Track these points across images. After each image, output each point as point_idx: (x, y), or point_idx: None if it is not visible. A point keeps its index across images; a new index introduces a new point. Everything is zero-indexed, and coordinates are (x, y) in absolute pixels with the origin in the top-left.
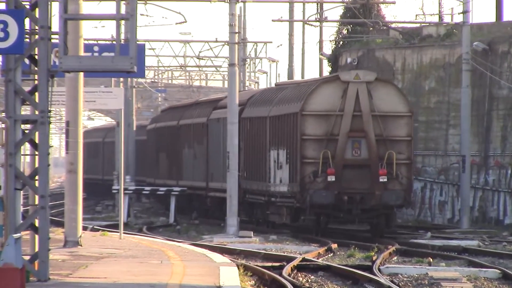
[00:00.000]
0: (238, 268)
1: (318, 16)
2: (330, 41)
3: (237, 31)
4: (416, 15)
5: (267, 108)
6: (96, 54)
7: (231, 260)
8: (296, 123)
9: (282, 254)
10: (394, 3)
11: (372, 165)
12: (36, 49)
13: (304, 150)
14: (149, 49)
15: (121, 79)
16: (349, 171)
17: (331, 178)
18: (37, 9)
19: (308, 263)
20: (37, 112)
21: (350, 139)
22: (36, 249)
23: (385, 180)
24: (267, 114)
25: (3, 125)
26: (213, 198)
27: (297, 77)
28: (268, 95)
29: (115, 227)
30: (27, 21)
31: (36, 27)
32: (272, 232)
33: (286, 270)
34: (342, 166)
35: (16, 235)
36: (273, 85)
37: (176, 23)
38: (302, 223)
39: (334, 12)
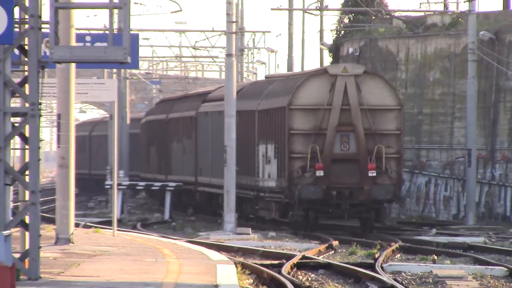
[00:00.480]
0: (236, 266)
1: (319, 5)
2: (331, 30)
3: (234, 20)
4: (420, 4)
5: (256, 101)
6: (88, 44)
7: (228, 258)
8: (284, 117)
9: (282, 251)
10: None
11: (361, 160)
12: (26, 39)
13: (292, 145)
14: (143, 39)
15: (114, 70)
16: (338, 166)
17: (320, 173)
18: None
19: (308, 260)
20: (27, 105)
21: (339, 133)
22: (27, 247)
23: (374, 174)
24: (255, 108)
25: None
26: (202, 193)
27: (297, 68)
28: (258, 88)
29: (108, 223)
30: (16, 10)
31: (26, 16)
32: (271, 228)
33: (286, 268)
34: (331, 161)
35: (5, 232)
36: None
37: (171, 12)
38: (291, 219)
39: (335, 0)
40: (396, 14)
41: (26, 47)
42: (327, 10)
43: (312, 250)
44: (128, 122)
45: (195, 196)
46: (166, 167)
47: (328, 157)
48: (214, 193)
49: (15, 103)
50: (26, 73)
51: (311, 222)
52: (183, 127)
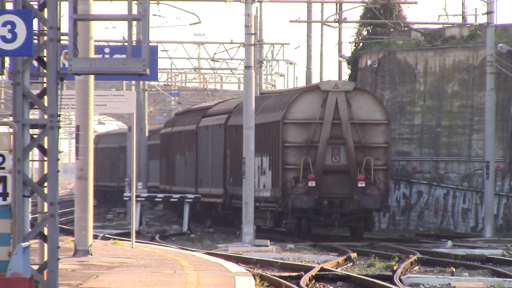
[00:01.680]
0: (254, 278)
1: (337, 17)
2: (350, 42)
3: (253, 32)
4: (439, 16)
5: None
6: (107, 56)
7: (247, 269)
8: (278, 131)
9: (300, 263)
10: (416, 3)
11: (351, 171)
12: (45, 50)
13: (285, 157)
14: (162, 50)
15: (133, 82)
16: (329, 177)
17: (312, 184)
18: (45, 9)
19: (326, 273)
20: (46, 116)
21: (330, 146)
22: (45, 258)
23: (364, 185)
24: None
25: (11, 130)
26: (202, 203)
27: (315, 79)
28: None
29: (126, 235)
30: (35, 21)
31: (45, 28)
32: (289, 240)
33: (304, 280)
34: (322, 172)
35: (24, 244)
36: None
37: (190, 24)
38: (284, 227)
39: (354, 12)
40: (415, 26)
41: (45, 59)
42: (346, 22)
43: (331, 262)
44: (146, 134)
45: (196, 206)
46: (171, 178)
47: (319, 169)
48: (214, 203)
49: (34, 115)
50: (45, 85)
51: (303, 230)
52: (185, 140)
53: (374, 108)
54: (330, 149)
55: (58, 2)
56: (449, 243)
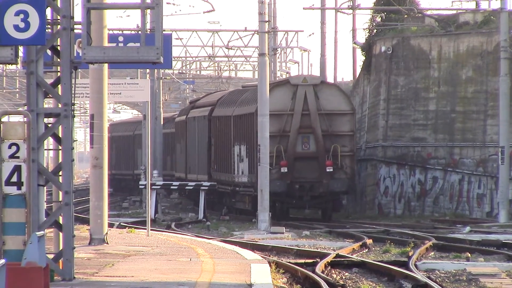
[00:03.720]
0: (270, 265)
1: (351, 4)
2: (364, 29)
3: (267, 19)
4: (452, 2)
5: (232, 108)
6: (121, 44)
7: (262, 257)
8: (253, 121)
9: (315, 250)
10: None
11: (319, 157)
12: (59, 39)
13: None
14: (176, 39)
15: (148, 70)
16: (300, 163)
17: (284, 169)
18: None
19: (342, 259)
20: (60, 105)
21: (300, 135)
22: (61, 247)
23: (331, 170)
24: (231, 114)
25: (25, 119)
26: (189, 189)
27: (329, 66)
28: (234, 97)
29: (142, 223)
30: (48, 10)
31: (58, 17)
32: (305, 227)
33: (320, 267)
34: (294, 159)
35: (39, 233)
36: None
37: (204, 12)
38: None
39: None
40: (428, 12)
41: (59, 48)
42: (360, 9)
43: (346, 248)
44: (162, 122)
45: (185, 192)
46: (174, 166)
47: (291, 156)
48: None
49: (48, 104)
50: (58, 74)
51: (277, 213)
52: (180, 130)
53: (340, 100)
54: (301, 138)
55: None
56: (467, 228)
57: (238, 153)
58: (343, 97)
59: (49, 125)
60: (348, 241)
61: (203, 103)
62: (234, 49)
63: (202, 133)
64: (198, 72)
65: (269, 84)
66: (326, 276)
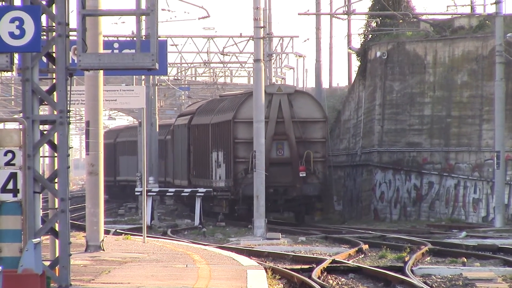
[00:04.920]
0: (266, 271)
1: (346, 9)
2: (359, 34)
3: (262, 25)
4: (447, 6)
5: (209, 116)
6: (116, 51)
7: (258, 263)
8: (230, 129)
9: (312, 256)
10: None
11: (293, 163)
12: (54, 46)
13: (236, 151)
14: (171, 45)
15: (143, 76)
16: (274, 168)
17: None
18: (54, 5)
19: (338, 265)
20: (55, 112)
21: (275, 141)
22: (57, 254)
23: (304, 175)
24: (209, 122)
25: (21, 126)
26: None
27: (325, 72)
28: (212, 105)
29: (138, 230)
30: (43, 17)
31: (53, 24)
32: (301, 233)
33: (316, 273)
34: (269, 164)
35: (35, 240)
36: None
37: (199, 18)
38: (237, 212)
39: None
40: (423, 17)
41: (54, 55)
42: (355, 14)
43: (342, 254)
44: (157, 128)
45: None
46: (165, 171)
47: (266, 161)
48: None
49: (44, 111)
50: (54, 81)
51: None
52: (171, 138)
53: (313, 108)
54: (275, 144)
55: None
56: (463, 233)
57: (216, 159)
58: (316, 105)
59: (45, 132)
60: (344, 247)
61: (187, 111)
62: (229, 55)
63: (183, 141)
64: (193, 78)
65: (246, 92)
66: (322, 282)
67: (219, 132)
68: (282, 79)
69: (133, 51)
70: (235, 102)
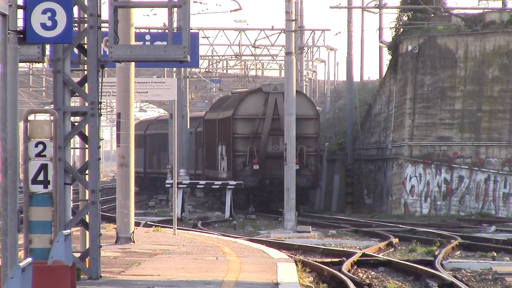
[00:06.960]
0: (296, 264)
1: (378, 2)
2: (390, 28)
3: (294, 18)
4: (479, 1)
5: (217, 112)
6: (147, 43)
7: (288, 256)
8: (230, 124)
9: (342, 249)
10: None
11: None
12: (86, 38)
13: (235, 145)
14: (203, 37)
15: (174, 69)
16: (270, 161)
17: (256, 167)
18: None
19: (368, 258)
20: (87, 104)
21: (271, 137)
22: (87, 246)
23: (298, 168)
24: (217, 117)
25: (52, 118)
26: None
27: (356, 65)
28: (220, 102)
29: (168, 222)
30: (75, 9)
31: (85, 15)
32: (331, 226)
33: (346, 266)
34: (265, 157)
35: (66, 232)
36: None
37: (231, 11)
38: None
39: None
40: (455, 11)
41: (86, 46)
42: (386, 8)
43: (372, 247)
44: (188, 121)
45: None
46: (196, 163)
47: (263, 155)
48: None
49: (75, 102)
50: (85, 72)
51: (251, 204)
52: (202, 130)
53: (306, 106)
54: (271, 139)
55: None
56: (493, 227)
57: (221, 153)
58: (309, 103)
59: (76, 124)
60: (374, 240)
61: (211, 106)
62: (260, 48)
63: (201, 134)
64: (224, 71)
65: (244, 91)
66: (352, 275)
67: (223, 127)
68: (314, 72)
69: (164, 43)
70: (235, 100)
